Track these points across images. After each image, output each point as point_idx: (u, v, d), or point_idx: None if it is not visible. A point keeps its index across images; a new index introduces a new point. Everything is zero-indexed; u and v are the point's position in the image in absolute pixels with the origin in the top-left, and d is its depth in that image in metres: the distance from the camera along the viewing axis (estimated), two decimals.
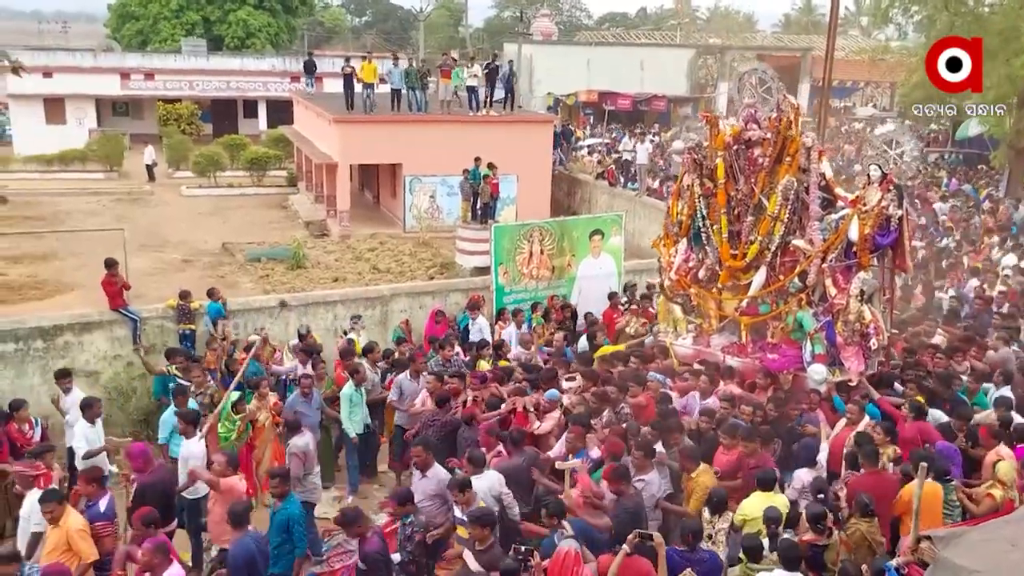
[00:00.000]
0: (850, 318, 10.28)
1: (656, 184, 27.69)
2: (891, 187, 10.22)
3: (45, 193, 33.31)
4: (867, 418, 9.32)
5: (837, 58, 16.44)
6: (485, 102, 29.16)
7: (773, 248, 10.95)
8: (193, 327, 13.46)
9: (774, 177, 10.98)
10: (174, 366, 11.81)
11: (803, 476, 8.58)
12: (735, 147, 11.27)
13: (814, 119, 15.75)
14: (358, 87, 28.03)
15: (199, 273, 22.99)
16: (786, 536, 7.40)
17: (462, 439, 9.94)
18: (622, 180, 29.29)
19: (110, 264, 13.48)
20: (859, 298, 10.25)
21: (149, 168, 37.68)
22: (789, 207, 10.77)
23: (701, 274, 11.83)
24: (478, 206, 23.35)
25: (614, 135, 40.25)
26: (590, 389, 10.59)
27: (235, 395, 10.84)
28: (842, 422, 9.45)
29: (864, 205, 10.34)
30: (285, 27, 59.50)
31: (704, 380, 10.53)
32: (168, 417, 10.54)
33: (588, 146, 37.76)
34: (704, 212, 11.57)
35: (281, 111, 43.97)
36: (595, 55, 49.59)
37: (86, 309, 14.24)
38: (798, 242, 10.77)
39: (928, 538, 6.34)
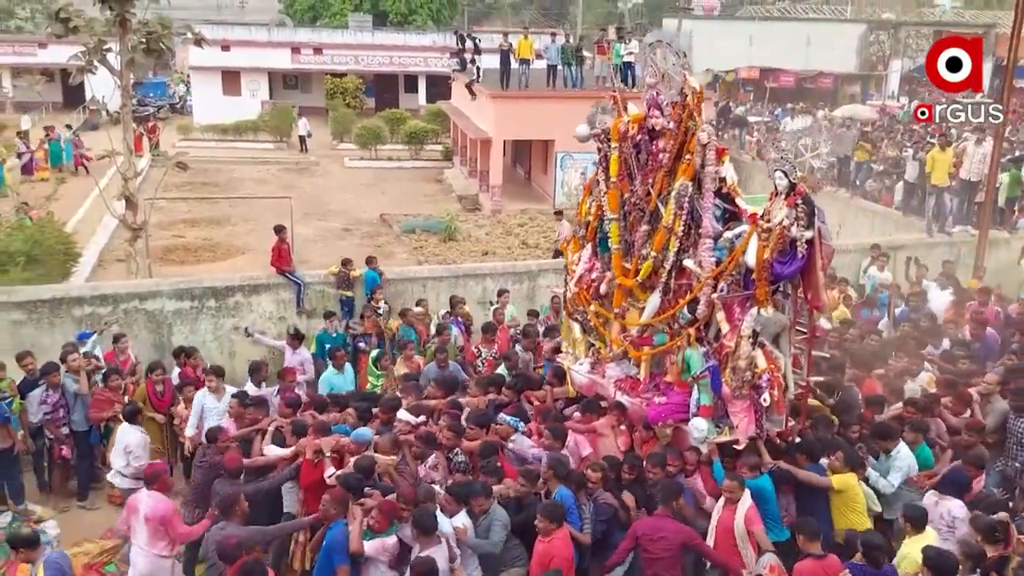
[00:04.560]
0: (740, 364, 8.02)
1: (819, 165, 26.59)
2: (799, 201, 7.87)
3: (220, 161, 35.48)
4: (748, 497, 7.57)
5: None
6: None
7: (668, 267, 8.81)
8: (351, 294, 14.06)
9: (674, 179, 8.82)
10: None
11: (954, 510, 7.68)
12: (639, 138, 9.13)
13: (996, 101, 14.64)
14: (514, 63, 28.26)
15: (357, 242, 23.96)
16: None
17: (214, 493, 8.07)
18: None
19: (279, 230, 14.28)
20: (751, 340, 8.04)
21: (302, 139, 39.40)
22: (684, 217, 8.60)
23: (603, 289, 9.70)
24: None
25: (775, 113, 38.90)
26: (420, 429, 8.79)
27: (375, 352, 11.81)
28: (722, 500, 7.74)
29: (767, 222, 8.04)
30: (447, 3, 60.63)
31: (547, 436, 8.52)
32: (327, 378, 11.30)
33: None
34: (610, 215, 9.54)
35: (440, 86, 44.93)
36: (758, 30, 47.99)
37: (255, 272, 15.13)
38: (689, 263, 8.62)
39: None
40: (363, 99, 49.21)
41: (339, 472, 7.93)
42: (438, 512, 7.28)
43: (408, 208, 28.53)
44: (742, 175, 28.84)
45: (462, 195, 30.79)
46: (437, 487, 7.82)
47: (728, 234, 8.44)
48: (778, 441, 8.42)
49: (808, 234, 7.81)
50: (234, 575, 6.56)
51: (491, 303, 14.29)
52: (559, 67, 28.17)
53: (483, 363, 11.86)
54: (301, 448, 8.40)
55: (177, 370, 11.42)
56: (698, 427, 8.27)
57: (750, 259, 8.05)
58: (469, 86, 29.92)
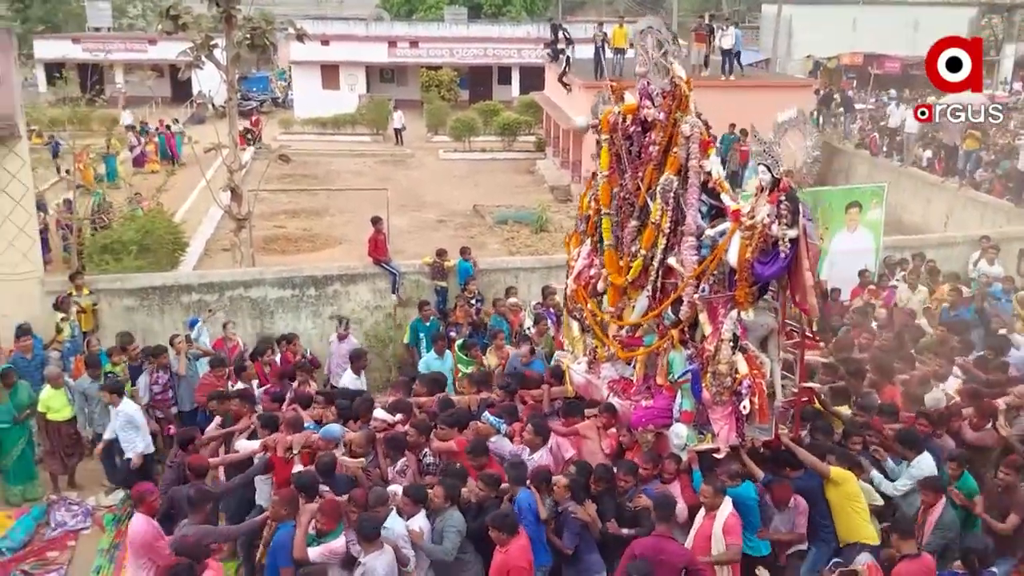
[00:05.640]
0: (720, 369, 7.63)
1: (928, 155, 25.56)
2: (783, 197, 7.34)
3: (319, 153, 36.32)
4: (730, 505, 7.26)
5: None
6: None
7: (657, 265, 8.47)
8: (445, 284, 14.27)
9: (662, 173, 8.41)
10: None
11: None
12: (632, 130, 8.78)
13: None
14: (608, 53, 28.05)
15: (451, 233, 24.22)
16: None
17: (179, 500, 7.78)
18: (885, 149, 27.41)
19: (375, 221, 14.59)
20: (732, 344, 7.63)
21: (397, 132, 40.01)
22: (670, 213, 8.26)
23: (600, 286, 9.41)
24: (725, 174, 22.82)
25: (880, 100, 37.58)
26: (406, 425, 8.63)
27: (460, 341, 12.01)
28: (703, 509, 7.41)
29: (750, 219, 7.58)
30: None
31: (530, 431, 8.31)
32: (427, 362, 11.66)
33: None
34: (604, 210, 9.25)
35: (533, 77, 44.95)
36: (862, 15, 46.42)
37: (352, 262, 15.49)
38: (671, 261, 8.30)
39: None
40: (457, 91, 49.57)
41: (297, 471, 7.81)
42: (393, 514, 7.20)
43: (501, 199, 28.68)
44: (844, 164, 28.06)
45: (554, 186, 30.78)
46: (397, 487, 7.66)
47: (710, 231, 8.09)
48: (762, 450, 8.08)
49: (791, 233, 7.35)
50: (162, 574, 6.49)
51: None
52: None
53: None
54: (271, 442, 8.29)
55: (278, 356, 11.80)
56: (678, 433, 8.01)
57: (732, 258, 7.69)
58: (561, 79, 29.87)
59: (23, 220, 12.54)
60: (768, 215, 7.42)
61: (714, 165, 8.24)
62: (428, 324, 13.02)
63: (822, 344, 10.66)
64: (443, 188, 30.59)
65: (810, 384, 8.57)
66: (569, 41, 30.08)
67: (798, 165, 7.50)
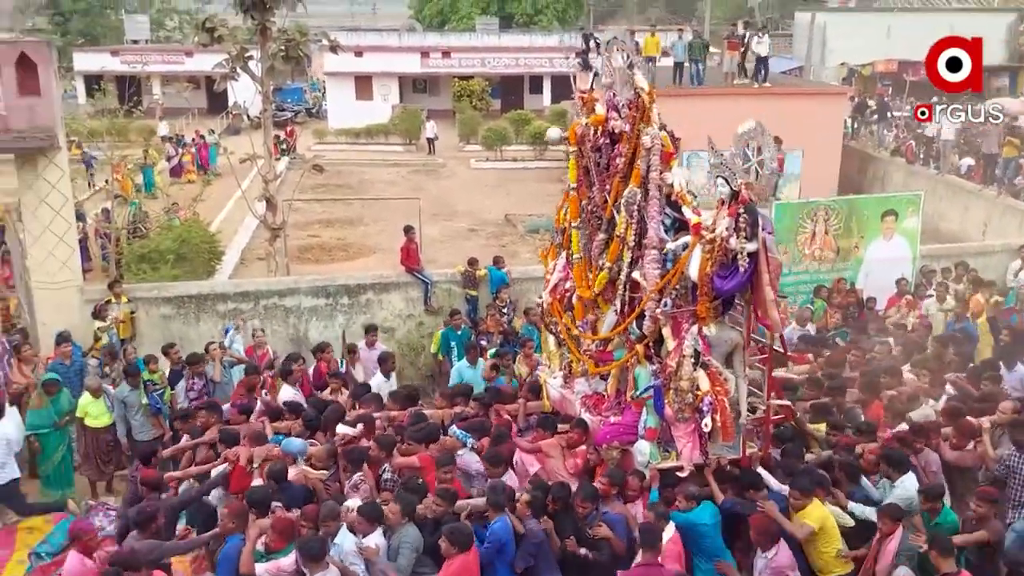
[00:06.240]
0: (682, 385, 7.52)
1: (971, 162, 25.12)
2: (741, 210, 7.21)
3: (353, 163, 36.59)
4: (672, 531, 7.05)
5: None
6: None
7: (623, 279, 8.36)
8: (476, 293, 14.31)
9: (628, 185, 8.29)
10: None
11: None
12: (601, 141, 8.70)
13: None
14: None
15: (483, 242, 24.26)
16: None
17: (141, 511, 7.63)
18: (922, 157, 27.06)
19: (408, 230, 14.68)
20: (693, 360, 7.50)
21: (430, 141, 40.18)
22: (635, 227, 8.13)
23: (575, 300, 9.30)
24: None
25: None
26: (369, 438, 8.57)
27: (492, 350, 12.02)
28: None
29: (711, 233, 7.47)
30: (572, 2, 60.65)
31: (485, 462, 8.09)
32: (459, 369, 11.67)
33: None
34: (573, 223, 9.23)
35: (565, 86, 44.84)
36: (896, 21, 45.81)
37: (385, 270, 15.59)
38: (635, 275, 8.19)
39: None
40: (489, 101, 49.67)
41: (252, 485, 7.74)
42: (343, 530, 7.09)
43: (532, 208, 28.68)
44: (880, 172, 27.74)
45: None
46: (353, 501, 7.50)
47: (671, 245, 7.98)
48: (728, 468, 7.88)
49: (750, 246, 7.25)
50: None
51: None
52: (686, 64, 27.70)
53: None
54: (231, 455, 8.16)
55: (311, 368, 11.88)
56: (641, 451, 7.89)
57: (693, 272, 7.59)
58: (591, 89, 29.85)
59: (62, 230, 12.77)
60: (727, 228, 7.31)
61: (676, 177, 8.10)
62: (459, 333, 13.06)
63: (810, 358, 10.60)
64: (475, 197, 30.67)
65: (784, 401, 8.42)
66: (599, 51, 30.01)
67: (757, 177, 7.39)
